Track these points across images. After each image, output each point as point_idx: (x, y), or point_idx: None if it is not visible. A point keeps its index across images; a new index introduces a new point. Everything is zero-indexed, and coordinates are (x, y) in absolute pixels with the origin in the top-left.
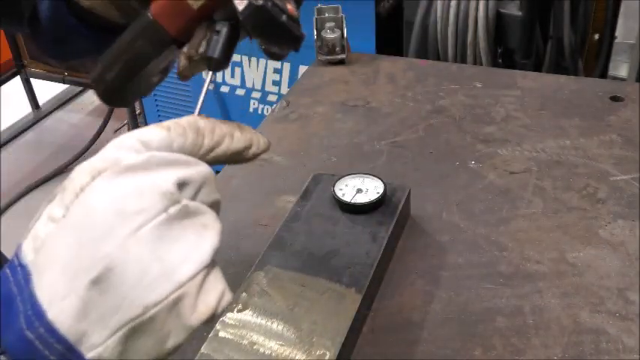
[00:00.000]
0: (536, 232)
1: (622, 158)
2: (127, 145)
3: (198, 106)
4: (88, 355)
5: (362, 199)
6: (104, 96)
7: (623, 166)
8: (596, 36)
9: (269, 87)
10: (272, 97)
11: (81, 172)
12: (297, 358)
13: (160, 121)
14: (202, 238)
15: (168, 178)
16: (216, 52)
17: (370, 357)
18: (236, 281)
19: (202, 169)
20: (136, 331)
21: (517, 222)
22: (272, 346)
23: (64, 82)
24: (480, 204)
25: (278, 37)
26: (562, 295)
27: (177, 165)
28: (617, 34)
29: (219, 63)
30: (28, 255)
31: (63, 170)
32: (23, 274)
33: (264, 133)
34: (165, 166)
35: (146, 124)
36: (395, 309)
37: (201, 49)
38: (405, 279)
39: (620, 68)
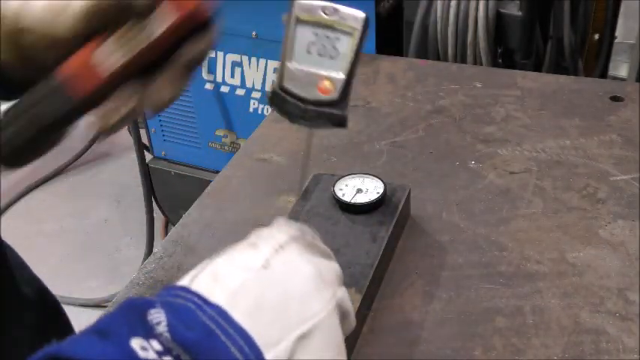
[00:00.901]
0: (536, 232)
1: (622, 158)
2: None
3: None
4: None
5: (362, 199)
6: (9, 159)
7: (623, 166)
8: (596, 36)
9: (269, 87)
10: None
11: (276, 232)
12: None
13: (160, 120)
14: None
15: (337, 268)
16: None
17: (370, 357)
18: None
19: None
20: None
21: (517, 222)
22: None
23: None
24: (480, 204)
25: (310, 123)
26: (562, 295)
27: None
28: (617, 34)
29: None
30: (215, 294)
31: (63, 170)
32: (218, 311)
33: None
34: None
35: (146, 124)
36: (395, 309)
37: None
38: (405, 279)
39: (620, 68)
